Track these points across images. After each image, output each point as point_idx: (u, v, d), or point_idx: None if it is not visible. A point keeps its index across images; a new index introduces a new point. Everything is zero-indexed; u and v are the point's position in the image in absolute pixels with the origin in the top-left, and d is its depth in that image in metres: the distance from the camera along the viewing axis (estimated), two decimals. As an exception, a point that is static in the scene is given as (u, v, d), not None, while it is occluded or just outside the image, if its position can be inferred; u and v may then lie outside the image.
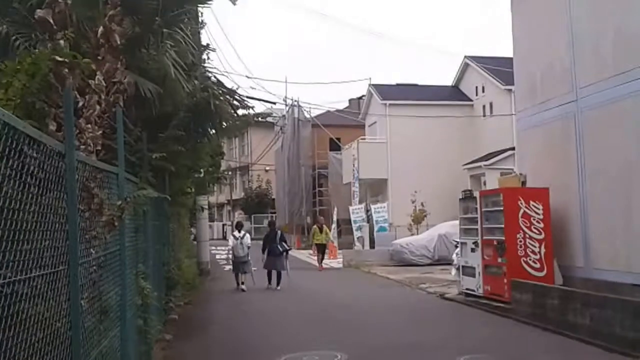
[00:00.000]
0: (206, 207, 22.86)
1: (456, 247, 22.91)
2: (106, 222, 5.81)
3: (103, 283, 5.42)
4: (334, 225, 37.69)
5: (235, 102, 11.22)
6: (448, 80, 41.11)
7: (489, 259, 14.83)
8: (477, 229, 15.45)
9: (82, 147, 4.89)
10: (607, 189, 13.61)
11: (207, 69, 12.64)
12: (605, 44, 13.99)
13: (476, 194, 15.84)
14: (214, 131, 11.98)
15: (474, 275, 15.40)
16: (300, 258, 36.30)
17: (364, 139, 38.60)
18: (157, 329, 9.27)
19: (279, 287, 19.37)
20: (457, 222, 30.26)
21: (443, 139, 35.59)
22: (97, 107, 5.21)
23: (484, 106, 35.54)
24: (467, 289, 15.84)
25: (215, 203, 74.17)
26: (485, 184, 33.96)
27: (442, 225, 29.18)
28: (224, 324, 13.11)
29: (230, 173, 22.09)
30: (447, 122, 35.63)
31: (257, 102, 39.22)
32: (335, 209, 38.42)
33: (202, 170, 14.92)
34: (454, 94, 38.37)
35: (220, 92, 10.91)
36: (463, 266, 16.09)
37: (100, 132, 5.62)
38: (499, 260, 14.32)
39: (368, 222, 33.65)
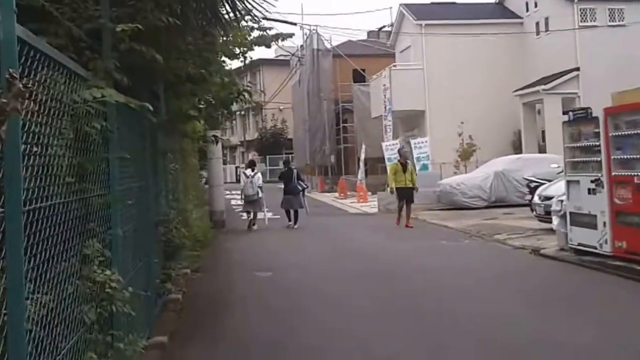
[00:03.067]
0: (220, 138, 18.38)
1: (530, 188, 18.66)
2: None
3: None
4: (361, 164, 33.62)
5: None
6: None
7: (624, 204, 10.41)
8: (597, 162, 11.03)
9: None
10: None
11: None
12: None
13: (598, 112, 11.30)
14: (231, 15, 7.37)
15: (594, 227, 11.03)
16: (326, 202, 32.33)
17: (396, 66, 33.74)
18: (137, 349, 5.01)
19: (296, 226, 19.21)
20: (515, 157, 26.22)
21: (488, 63, 30.88)
22: None
23: (537, 23, 30.50)
24: (579, 244, 11.51)
25: (228, 145, 70.43)
26: (539, 112, 29.48)
27: (497, 161, 24.83)
28: (248, 305, 8.88)
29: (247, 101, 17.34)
30: (492, 43, 30.87)
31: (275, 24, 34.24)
32: (363, 146, 34.12)
33: (214, 84, 10.07)
34: (499, 11, 33.35)
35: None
36: (573, 213, 11.70)
37: None
38: (647, 205, 9.93)
39: (405, 159, 29.24)
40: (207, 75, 7.89)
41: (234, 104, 9.50)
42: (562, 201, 12.63)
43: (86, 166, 4.06)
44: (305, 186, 20.27)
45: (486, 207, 22.77)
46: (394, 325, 7.54)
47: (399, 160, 19.37)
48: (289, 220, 19.48)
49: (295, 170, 20.46)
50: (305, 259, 13.04)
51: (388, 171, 20.08)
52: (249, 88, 8.05)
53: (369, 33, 55.18)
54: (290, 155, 59.86)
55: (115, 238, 4.64)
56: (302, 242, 16.04)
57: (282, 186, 20.09)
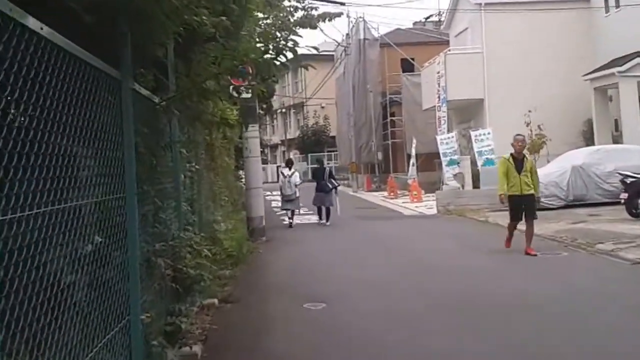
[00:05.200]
0: (256, 131, 15.62)
1: (626, 184, 15.70)
2: None
3: None
4: (412, 161, 30.83)
5: None
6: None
7: None
8: None
9: None
10: None
11: None
12: None
13: None
14: None
15: None
16: (376, 202, 29.56)
17: (451, 50, 30.55)
18: None
19: (328, 223, 19.58)
20: (595, 148, 22.96)
21: (554, 45, 27.60)
22: None
23: (605, -1, 27.19)
24: None
25: (269, 144, 68.35)
26: (611, 99, 26.18)
27: (573, 154, 21.71)
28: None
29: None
30: (558, 22, 27.63)
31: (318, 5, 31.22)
32: (414, 141, 31.26)
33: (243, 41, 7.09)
34: (564, -13, 29.94)
35: None
36: None
37: None
38: None
39: (461, 154, 26.23)
40: (230, 26, 5.15)
41: (273, 70, 6.57)
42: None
43: None
44: (337, 184, 20.40)
45: (564, 207, 19.80)
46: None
47: (511, 154, 12.58)
48: (320, 218, 19.98)
49: (327, 169, 20.93)
50: (366, 281, 10.13)
51: (498, 169, 13.17)
52: (293, 40, 5.27)
53: (415, 24, 52.38)
54: (333, 153, 57.41)
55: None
56: (359, 256, 13.14)
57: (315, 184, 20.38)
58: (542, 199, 20.19)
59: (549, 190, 20.32)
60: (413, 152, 30.97)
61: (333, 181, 20.09)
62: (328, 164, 55.59)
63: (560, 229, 15.19)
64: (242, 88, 14.69)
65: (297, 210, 20.44)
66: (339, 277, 10.56)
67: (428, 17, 56.12)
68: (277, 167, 62.26)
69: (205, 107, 5.62)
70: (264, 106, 34.30)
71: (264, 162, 59.21)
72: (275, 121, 72.70)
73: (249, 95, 15.27)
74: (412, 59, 37.04)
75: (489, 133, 24.34)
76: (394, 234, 17.06)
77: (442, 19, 50.02)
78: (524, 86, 27.09)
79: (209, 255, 7.47)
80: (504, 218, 18.72)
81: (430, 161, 31.88)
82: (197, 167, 8.20)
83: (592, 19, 28.00)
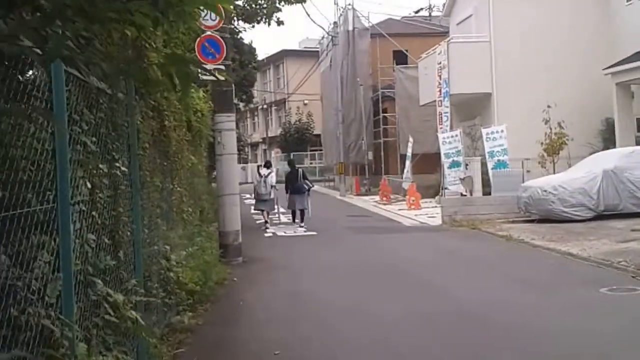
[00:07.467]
0: (232, 122, 12.37)
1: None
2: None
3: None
4: (408, 162, 27.91)
5: None
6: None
7: None
8: None
9: None
10: None
11: None
12: None
13: None
14: None
15: None
16: (368, 208, 26.52)
17: (454, 38, 27.28)
18: None
19: (303, 224, 19.30)
20: (628, 150, 19.62)
21: (570, 34, 24.59)
22: None
23: (627, -14, 24.28)
24: None
25: (249, 141, 65.30)
26: (634, 96, 23.31)
27: (602, 157, 18.70)
28: None
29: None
30: (576, 9, 24.78)
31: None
32: (410, 139, 28.22)
33: None
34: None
35: None
36: None
37: None
38: None
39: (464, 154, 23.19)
40: None
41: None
42: None
43: None
44: (310, 186, 20.19)
45: (593, 219, 16.86)
46: None
47: None
48: (294, 221, 19.78)
49: (300, 170, 20.65)
50: (387, 339, 6.92)
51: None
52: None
53: (403, 18, 49.61)
54: (317, 152, 54.49)
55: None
56: (367, 297, 9.37)
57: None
58: (568, 209, 17.32)
59: (576, 199, 17.31)
60: (409, 152, 27.94)
61: (307, 182, 19.96)
62: (310, 163, 53.34)
63: (610, 250, 12.06)
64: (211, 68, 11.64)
65: (273, 211, 20.34)
66: (348, 332, 7.25)
67: (418, 11, 53.31)
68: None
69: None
70: (244, 96, 31.07)
71: (244, 161, 56.11)
72: (256, 118, 69.73)
73: (223, 78, 12.11)
74: (406, 51, 34.03)
75: (502, 131, 21.25)
76: (403, 254, 13.75)
77: (434, 13, 47.32)
78: (536, 80, 24.09)
79: (139, 322, 4.29)
80: (529, 233, 15.79)
81: (426, 162, 28.82)
82: (125, 169, 4.95)
83: (612, 6, 25.13)
